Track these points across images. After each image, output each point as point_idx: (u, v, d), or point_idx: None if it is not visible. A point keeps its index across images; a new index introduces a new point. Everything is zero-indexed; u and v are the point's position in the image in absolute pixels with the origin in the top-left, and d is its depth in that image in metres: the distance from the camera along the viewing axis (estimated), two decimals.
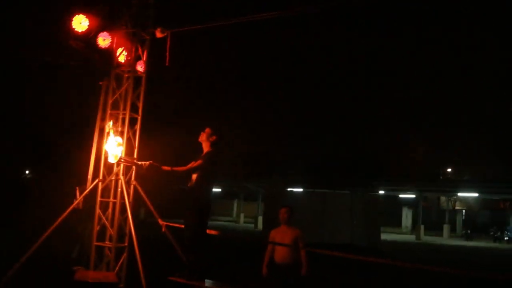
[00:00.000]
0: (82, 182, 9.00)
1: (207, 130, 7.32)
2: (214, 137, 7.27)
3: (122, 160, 7.57)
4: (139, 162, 7.16)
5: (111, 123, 7.73)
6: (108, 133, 7.68)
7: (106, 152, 8.04)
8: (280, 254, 8.20)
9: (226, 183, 41.23)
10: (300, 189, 28.41)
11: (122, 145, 7.98)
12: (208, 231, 7.51)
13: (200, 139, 7.35)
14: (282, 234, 8.26)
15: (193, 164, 7.09)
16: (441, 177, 52.64)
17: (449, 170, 56.20)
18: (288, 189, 27.98)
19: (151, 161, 6.99)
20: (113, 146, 7.33)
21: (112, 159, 7.37)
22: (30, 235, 8.99)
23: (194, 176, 7.10)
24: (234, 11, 8.63)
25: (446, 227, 38.27)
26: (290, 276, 8.10)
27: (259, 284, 8.61)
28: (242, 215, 44.94)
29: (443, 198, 45.64)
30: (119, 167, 8.50)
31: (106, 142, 7.65)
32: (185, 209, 7.29)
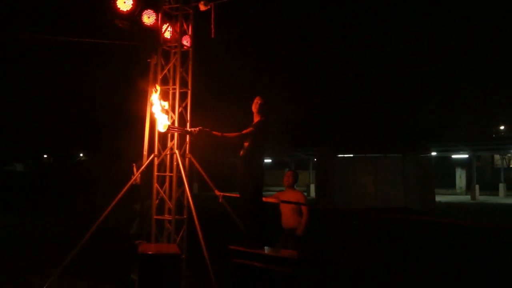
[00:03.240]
0: (138, 159, 9.19)
1: (256, 99, 7.35)
2: (267, 106, 7.30)
3: (172, 128, 7.66)
4: (189, 129, 7.24)
5: (155, 91, 7.74)
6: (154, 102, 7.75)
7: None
8: (285, 218, 8.31)
9: (276, 153, 41.30)
10: (351, 155, 28.22)
11: (169, 113, 8.09)
12: (266, 199, 7.60)
13: (253, 108, 7.40)
14: (286, 198, 8.31)
15: (243, 132, 7.14)
16: (493, 135, 51.60)
17: (501, 127, 55.03)
18: (339, 155, 27.83)
19: (200, 127, 7.05)
20: (161, 115, 7.40)
21: (161, 128, 7.46)
22: (90, 214, 9.26)
23: (246, 144, 7.15)
24: None
25: (501, 186, 37.54)
26: (294, 240, 8.15)
27: (318, 249, 8.69)
28: None
29: (497, 157, 44.72)
30: (173, 141, 8.63)
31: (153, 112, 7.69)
32: (239, 178, 7.37)
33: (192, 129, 7.08)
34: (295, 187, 8.62)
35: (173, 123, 8.58)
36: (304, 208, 8.26)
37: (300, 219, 8.28)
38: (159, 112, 7.36)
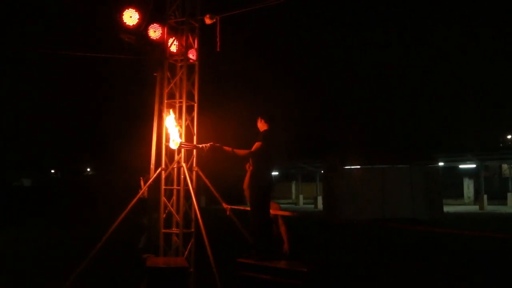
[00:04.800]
0: (146, 173, 9.20)
1: (258, 119, 7.38)
2: (267, 126, 7.33)
3: (183, 145, 7.71)
4: (200, 145, 7.27)
5: (171, 111, 7.85)
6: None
7: (167, 140, 8.32)
8: None
9: (283, 165, 41.24)
10: (358, 166, 28.15)
11: (180, 130, 8.14)
12: (277, 211, 7.59)
13: (258, 127, 7.42)
14: None
15: (253, 148, 7.16)
16: (501, 145, 51.39)
17: (509, 137, 54.83)
18: (346, 167, 27.76)
19: (211, 143, 7.08)
20: (174, 133, 7.46)
21: (173, 145, 7.52)
22: (99, 228, 9.25)
23: (255, 157, 7.16)
24: None
25: (510, 195, 37.28)
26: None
27: (327, 262, 8.62)
28: (301, 196, 44.91)
29: (505, 166, 44.49)
30: (180, 155, 8.64)
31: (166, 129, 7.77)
32: (248, 191, 7.36)
33: (203, 145, 7.12)
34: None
35: (180, 136, 8.62)
36: (281, 221, 8.15)
37: (276, 228, 8.12)
38: (172, 129, 7.43)
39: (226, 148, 7.07)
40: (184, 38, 8.94)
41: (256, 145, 7.11)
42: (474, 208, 35.43)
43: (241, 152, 7.14)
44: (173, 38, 9.03)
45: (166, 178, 8.78)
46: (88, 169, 65.27)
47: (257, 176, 7.17)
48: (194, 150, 8.72)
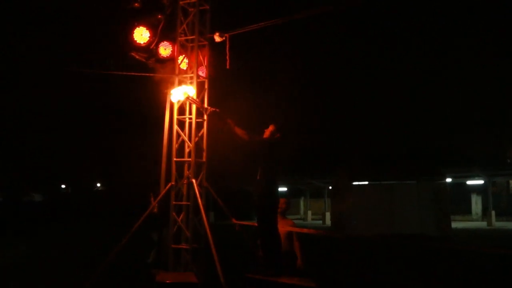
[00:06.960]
0: (155, 188, 9.28)
1: (271, 127, 7.46)
2: (278, 135, 7.41)
3: (190, 99, 7.93)
4: (207, 106, 7.41)
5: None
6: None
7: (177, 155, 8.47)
8: None
9: (292, 181, 41.26)
10: (366, 182, 28.18)
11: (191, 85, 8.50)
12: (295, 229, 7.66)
13: (264, 137, 7.49)
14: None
15: (254, 136, 7.27)
16: (509, 161, 51.16)
17: None
18: (354, 183, 27.80)
19: (217, 109, 7.20)
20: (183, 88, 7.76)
21: (181, 95, 7.78)
22: (109, 243, 9.33)
23: (259, 171, 7.24)
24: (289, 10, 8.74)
25: None
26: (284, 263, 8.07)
27: (337, 277, 8.66)
28: (309, 212, 44.89)
29: None
30: (190, 170, 8.70)
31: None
32: (255, 206, 7.43)
33: (209, 107, 7.26)
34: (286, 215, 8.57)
35: (189, 153, 8.73)
36: (295, 237, 8.23)
37: (290, 244, 8.20)
38: (185, 86, 7.70)
39: (229, 120, 7.18)
40: (194, 56, 9.06)
41: (258, 137, 7.24)
42: (482, 224, 35.32)
43: (241, 131, 7.24)
44: (183, 55, 9.15)
45: (176, 193, 8.85)
46: (98, 184, 65.41)
47: (264, 189, 7.25)
48: (204, 166, 8.85)
